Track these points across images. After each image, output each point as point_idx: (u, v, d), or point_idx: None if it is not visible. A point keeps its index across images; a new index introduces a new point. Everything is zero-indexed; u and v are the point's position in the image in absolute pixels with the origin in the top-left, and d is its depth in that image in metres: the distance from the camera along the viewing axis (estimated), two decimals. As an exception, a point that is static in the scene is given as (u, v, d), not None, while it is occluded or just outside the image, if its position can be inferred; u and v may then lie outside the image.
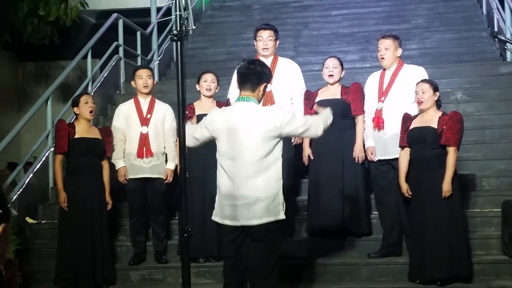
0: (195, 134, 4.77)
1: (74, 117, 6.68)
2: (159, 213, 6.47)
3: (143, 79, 6.53)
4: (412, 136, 5.74)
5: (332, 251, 6.24)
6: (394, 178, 6.00)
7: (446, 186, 5.55)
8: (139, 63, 9.45)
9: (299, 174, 6.76)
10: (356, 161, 6.25)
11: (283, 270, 5.65)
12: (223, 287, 4.93)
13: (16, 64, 13.68)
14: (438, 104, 5.81)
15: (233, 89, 6.20)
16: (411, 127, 5.78)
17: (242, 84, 4.72)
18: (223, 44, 11.16)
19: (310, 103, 6.30)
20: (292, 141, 6.36)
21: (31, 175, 7.29)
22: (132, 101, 6.62)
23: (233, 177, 4.60)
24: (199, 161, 6.00)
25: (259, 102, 4.73)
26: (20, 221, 6.65)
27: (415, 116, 5.84)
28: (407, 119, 5.83)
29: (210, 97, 6.44)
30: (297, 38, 10.94)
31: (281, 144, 4.67)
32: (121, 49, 9.24)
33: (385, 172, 6.14)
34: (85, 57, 8.48)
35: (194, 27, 11.64)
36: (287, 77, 6.37)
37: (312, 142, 6.38)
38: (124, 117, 6.50)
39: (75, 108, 6.36)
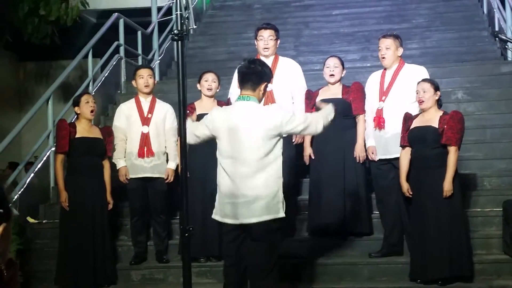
0: (195, 131, 4.79)
1: (75, 116, 6.69)
2: (160, 213, 6.47)
3: (144, 78, 6.53)
4: (413, 136, 5.74)
5: (333, 251, 6.25)
6: (395, 177, 6.00)
7: (447, 186, 5.55)
8: (140, 63, 9.45)
9: (300, 174, 6.76)
10: (357, 161, 6.25)
11: (284, 270, 5.66)
12: (223, 286, 4.94)
13: (17, 63, 13.68)
14: (439, 103, 5.81)
15: (234, 89, 6.21)
16: (412, 127, 5.78)
17: (242, 83, 4.74)
18: (223, 43, 11.16)
19: (311, 103, 6.29)
20: (293, 140, 6.37)
21: (32, 174, 7.29)
22: (133, 100, 6.62)
23: (233, 175, 4.62)
24: (200, 161, 6.00)
25: (259, 101, 4.75)
26: (21, 221, 6.65)
27: (416, 116, 5.83)
28: (408, 118, 5.83)
29: (211, 96, 6.44)
30: (298, 37, 10.94)
31: (281, 142, 4.68)
32: (122, 49, 9.24)
33: (386, 172, 6.14)
34: (86, 56, 8.48)
35: (194, 27, 11.54)
36: (288, 77, 6.37)
37: (313, 141, 6.38)
38: (125, 116, 6.50)
39: (76, 108, 6.36)
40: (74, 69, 8.46)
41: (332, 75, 6.34)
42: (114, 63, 9.11)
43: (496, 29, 9.59)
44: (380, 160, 6.14)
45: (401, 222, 6.07)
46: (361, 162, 6.26)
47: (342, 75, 6.41)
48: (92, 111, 6.32)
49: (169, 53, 10.68)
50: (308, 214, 6.42)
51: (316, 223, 6.29)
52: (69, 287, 6.08)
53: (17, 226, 6.31)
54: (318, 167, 6.35)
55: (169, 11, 10.82)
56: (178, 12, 4.04)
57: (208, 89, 6.42)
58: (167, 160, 6.49)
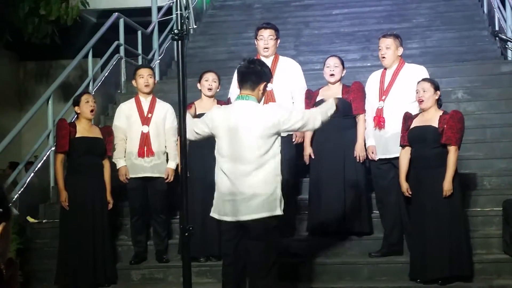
0: (195, 128, 4.82)
1: (75, 116, 6.69)
2: (160, 212, 6.47)
3: (144, 78, 6.54)
4: (413, 135, 5.74)
5: (333, 250, 6.25)
6: (395, 177, 6.00)
7: (447, 185, 5.55)
8: (140, 62, 9.46)
9: (300, 173, 6.77)
10: (357, 160, 6.25)
11: (284, 269, 5.66)
12: (222, 285, 4.95)
13: (17, 63, 13.68)
14: (439, 103, 5.81)
15: (234, 89, 6.21)
16: (411, 126, 5.78)
17: (242, 83, 4.76)
18: (224, 43, 11.16)
19: (311, 102, 6.30)
20: (293, 140, 6.37)
21: (32, 174, 7.29)
22: (133, 100, 6.62)
23: (231, 174, 4.65)
24: (200, 160, 6.00)
25: (259, 101, 4.77)
26: (21, 221, 6.65)
27: (416, 115, 5.83)
28: (407, 118, 5.83)
29: (211, 96, 6.44)
30: (298, 37, 10.94)
31: (279, 140, 4.71)
32: (122, 48, 9.24)
33: (385, 171, 6.15)
34: (86, 56, 8.48)
35: (195, 26, 11.56)
36: (288, 76, 6.37)
37: (313, 141, 6.38)
38: (125, 116, 6.51)
39: (76, 107, 6.37)
40: (74, 68, 8.46)
41: (332, 74, 6.34)
42: (114, 63, 9.11)
43: (496, 28, 9.59)
44: (380, 159, 6.14)
45: (401, 221, 6.07)
46: (361, 161, 6.26)
47: (342, 75, 6.41)
48: (92, 111, 6.32)
49: (169, 53, 10.68)
50: (308, 213, 6.42)
51: (316, 223, 6.29)
52: (69, 287, 6.08)
53: (17, 225, 6.31)
54: (318, 167, 6.35)
55: (169, 11, 10.82)
56: (178, 12, 4.05)
57: (208, 89, 6.42)
58: (167, 160, 6.49)
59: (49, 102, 7.60)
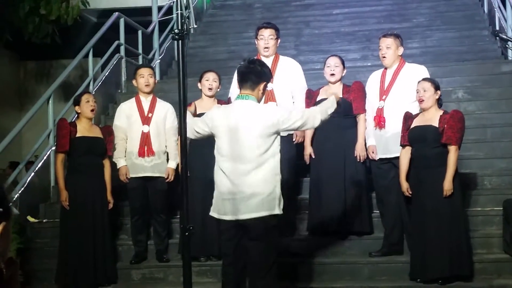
0: (195, 127, 4.84)
1: (76, 116, 6.69)
2: (160, 212, 6.47)
3: (145, 78, 6.53)
4: (413, 135, 5.74)
5: (333, 250, 6.25)
6: (395, 177, 6.00)
7: (447, 185, 5.55)
8: (140, 62, 9.46)
9: (300, 173, 6.77)
10: (358, 160, 6.25)
11: (284, 268, 5.67)
12: (222, 285, 4.95)
13: (18, 63, 13.68)
14: (439, 103, 5.80)
15: (234, 88, 6.21)
16: (412, 126, 5.78)
17: (242, 83, 4.78)
18: (224, 43, 11.16)
19: (311, 102, 6.30)
20: (294, 139, 6.37)
21: (33, 174, 7.29)
22: (133, 100, 6.62)
23: (231, 173, 4.66)
24: (200, 160, 6.00)
25: (259, 101, 4.79)
26: (21, 220, 6.65)
27: (416, 115, 5.83)
28: (408, 117, 5.82)
29: (211, 96, 6.44)
30: (299, 36, 10.94)
31: (278, 139, 4.72)
32: (122, 48, 9.25)
33: (386, 171, 6.14)
34: (86, 56, 8.48)
35: (195, 26, 11.55)
36: (288, 76, 6.37)
37: (314, 140, 6.38)
38: (126, 116, 6.51)
39: (77, 107, 6.37)
40: (74, 68, 8.46)
41: (332, 74, 6.34)
42: (114, 63, 9.11)
43: (497, 28, 9.59)
44: (380, 159, 6.14)
45: (402, 221, 6.07)
46: (361, 161, 6.26)
47: (343, 75, 6.41)
48: (92, 111, 6.33)
49: (170, 53, 10.68)
50: (308, 213, 6.42)
51: (316, 222, 6.30)
52: (69, 286, 6.08)
53: (17, 225, 6.31)
54: (318, 166, 6.35)
55: (169, 11, 10.80)
56: (179, 12, 4.04)
57: (209, 88, 6.42)
58: (167, 160, 6.49)
59: (50, 101, 7.61)
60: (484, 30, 10.35)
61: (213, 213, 4.84)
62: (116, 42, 9.08)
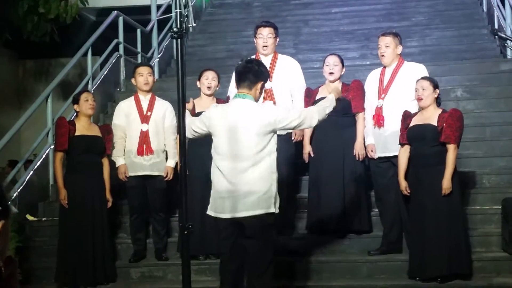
0: (193, 126, 4.86)
1: (75, 114, 6.68)
2: (159, 211, 6.47)
3: (144, 76, 6.53)
4: (412, 134, 5.74)
5: (332, 248, 6.25)
6: (394, 175, 6.00)
7: (446, 184, 5.55)
8: (139, 61, 9.46)
9: (299, 171, 6.77)
10: (357, 159, 6.25)
11: (283, 267, 5.67)
12: (220, 284, 4.97)
13: (16, 61, 13.68)
14: (438, 101, 5.81)
15: (233, 87, 6.20)
16: (411, 125, 5.78)
17: (239, 82, 4.81)
18: (223, 41, 11.16)
19: (310, 101, 6.30)
20: (293, 138, 6.37)
21: (32, 172, 7.29)
22: (132, 98, 6.62)
23: (228, 171, 4.68)
24: (199, 159, 6.00)
25: (256, 100, 4.81)
26: (20, 219, 6.65)
27: (415, 114, 5.83)
28: (407, 116, 5.83)
29: (210, 95, 6.44)
30: (297, 35, 10.94)
31: (275, 138, 4.74)
32: (121, 47, 9.25)
33: (385, 170, 6.15)
34: (85, 54, 8.48)
35: (194, 25, 11.63)
36: (287, 75, 6.37)
37: (313, 139, 6.39)
38: (124, 114, 6.50)
39: (76, 106, 6.37)
40: (73, 67, 8.46)
41: (331, 73, 6.34)
42: (113, 61, 9.11)
43: (496, 27, 9.59)
44: (379, 158, 6.14)
45: (400, 219, 6.07)
46: (360, 160, 6.27)
47: (342, 73, 6.41)
48: (91, 109, 6.33)
49: (169, 51, 10.69)
50: (307, 211, 6.43)
51: (315, 221, 6.30)
52: (68, 285, 6.08)
53: (16, 223, 6.31)
54: (317, 165, 6.35)
55: (168, 9, 10.82)
56: (178, 10, 4.03)
57: (207, 87, 6.42)
58: (166, 158, 6.49)
59: (48, 100, 7.60)
60: (483, 29, 10.35)
61: (210, 211, 4.87)
62: (115, 41, 9.08)
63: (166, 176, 6.43)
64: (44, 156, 7.47)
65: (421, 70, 6.14)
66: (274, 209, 4.70)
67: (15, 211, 6.53)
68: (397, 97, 6.03)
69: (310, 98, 6.33)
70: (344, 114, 6.18)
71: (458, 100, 7.91)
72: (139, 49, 9.67)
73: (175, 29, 3.83)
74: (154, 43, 10.29)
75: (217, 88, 6.53)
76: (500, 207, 6.16)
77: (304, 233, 6.45)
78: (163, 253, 6.46)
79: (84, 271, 6.06)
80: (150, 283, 6.25)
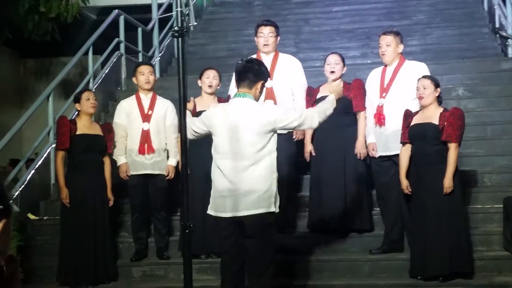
0: (193, 127, 4.87)
1: (76, 113, 6.69)
2: (160, 210, 6.47)
3: (145, 75, 6.53)
4: (413, 132, 5.74)
5: (333, 247, 6.25)
6: (395, 174, 6.00)
7: (447, 182, 5.55)
8: (140, 60, 9.46)
9: (300, 170, 6.77)
10: (358, 157, 6.25)
11: (284, 266, 5.68)
12: (221, 283, 4.97)
13: (17, 60, 13.68)
14: (439, 100, 5.80)
15: (234, 86, 6.19)
16: (412, 123, 5.77)
17: (239, 81, 4.82)
18: (224, 40, 11.16)
19: (311, 100, 6.30)
20: (294, 137, 6.37)
21: (33, 171, 7.30)
22: (133, 97, 6.62)
23: (228, 170, 4.69)
24: (200, 158, 6.00)
25: (256, 99, 4.83)
26: (22, 217, 6.66)
27: (416, 113, 5.83)
28: (408, 115, 5.82)
29: (211, 93, 6.43)
30: (298, 34, 10.94)
31: (275, 137, 4.75)
32: (122, 46, 9.25)
33: (386, 168, 6.14)
34: (86, 53, 8.48)
35: (195, 24, 11.62)
36: (288, 74, 6.37)
37: (314, 138, 6.39)
38: (126, 113, 6.50)
39: (77, 105, 6.37)
40: (74, 66, 8.46)
41: (332, 72, 6.33)
42: (114, 60, 9.11)
43: (497, 25, 9.58)
44: (380, 156, 6.14)
45: (402, 218, 6.07)
46: (361, 158, 6.26)
47: (343, 72, 6.41)
48: (93, 108, 6.33)
49: (170, 50, 10.68)
50: (309, 210, 6.43)
51: (317, 220, 6.30)
52: (70, 284, 6.09)
53: (17, 222, 6.32)
54: (318, 164, 6.35)
55: (169, 8, 10.81)
56: (179, 9, 4.03)
57: (208, 86, 6.41)
58: (167, 157, 6.49)
59: (50, 99, 7.61)
60: (484, 28, 10.34)
61: (210, 211, 4.87)
62: (116, 40, 9.07)
63: (168, 175, 6.43)
64: (45, 155, 7.48)
65: (422, 69, 6.13)
66: (274, 208, 4.71)
67: (16, 210, 6.54)
68: (398, 96, 6.03)
69: (311, 97, 6.33)
70: (345, 113, 6.18)
71: (459, 98, 7.91)
72: (140, 48, 9.68)
73: (176, 28, 3.83)
74: (155, 42, 10.29)
75: (218, 87, 6.53)
76: (502, 206, 6.15)
77: (306, 232, 6.45)
78: (165, 252, 6.46)
79: (86, 270, 6.07)
80: (152, 282, 6.25)
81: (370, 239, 6.27)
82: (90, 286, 6.08)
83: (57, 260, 6.17)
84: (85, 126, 6.28)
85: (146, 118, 6.44)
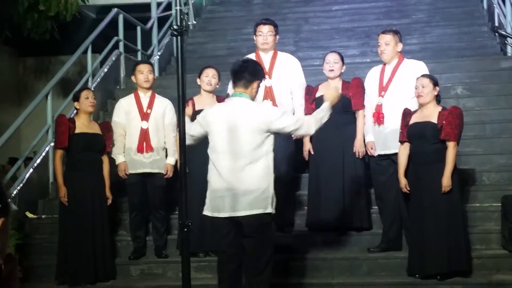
0: (189, 131, 4.85)
1: (75, 112, 6.69)
2: (159, 208, 6.47)
3: (144, 74, 6.53)
4: (412, 131, 5.74)
5: (332, 246, 6.25)
6: (394, 173, 6.00)
7: (446, 181, 5.55)
8: (139, 58, 9.46)
9: (299, 169, 6.77)
10: (357, 156, 6.25)
11: (282, 264, 5.68)
12: (218, 282, 4.97)
13: (16, 59, 13.68)
14: (438, 99, 5.80)
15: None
16: (411, 122, 5.78)
17: (235, 81, 4.86)
18: (223, 39, 11.16)
19: (310, 98, 6.30)
20: (293, 136, 6.37)
21: (31, 170, 7.30)
22: (132, 96, 6.62)
23: (224, 170, 4.70)
24: (199, 157, 5.98)
25: (252, 99, 4.86)
26: (20, 216, 6.66)
27: (415, 111, 5.83)
28: (407, 114, 5.83)
29: (210, 92, 6.43)
30: (298, 33, 10.93)
31: (271, 138, 4.76)
32: (121, 44, 9.24)
33: (385, 167, 6.15)
34: (85, 52, 8.48)
35: (194, 22, 11.64)
36: (287, 72, 6.37)
37: (313, 137, 6.37)
38: (124, 112, 6.50)
39: (76, 103, 6.37)
40: (73, 64, 8.46)
41: (331, 70, 6.33)
42: (113, 59, 9.11)
43: (496, 24, 9.60)
44: (379, 155, 6.14)
45: (400, 217, 6.08)
46: (360, 157, 6.27)
47: (342, 71, 6.41)
48: (91, 107, 6.33)
49: (169, 49, 10.69)
50: (307, 209, 6.43)
51: (315, 218, 6.30)
52: (69, 283, 6.09)
53: (16, 221, 6.32)
54: (317, 163, 6.35)
55: (168, 7, 10.82)
56: (178, 8, 4.03)
57: (207, 84, 6.41)
58: (166, 156, 6.49)
59: (48, 97, 7.61)
60: (483, 26, 10.34)
61: (206, 211, 4.87)
62: (115, 38, 9.07)
63: (166, 174, 6.43)
64: (44, 154, 7.48)
65: (421, 67, 6.14)
66: (271, 209, 4.73)
67: (15, 208, 6.53)
68: (397, 94, 6.03)
69: (310, 96, 6.33)
70: (344, 112, 6.18)
71: (458, 97, 7.91)
72: (139, 47, 9.67)
73: (175, 26, 3.83)
74: (154, 40, 10.28)
75: (217, 86, 6.53)
76: (500, 204, 6.16)
77: (304, 230, 6.46)
78: (163, 250, 6.46)
79: (84, 269, 6.07)
80: (150, 280, 6.25)
81: (369, 238, 6.28)
82: (89, 284, 6.08)
83: (55, 259, 6.17)
84: (83, 124, 6.27)
85: (145, 116, 6.44)
